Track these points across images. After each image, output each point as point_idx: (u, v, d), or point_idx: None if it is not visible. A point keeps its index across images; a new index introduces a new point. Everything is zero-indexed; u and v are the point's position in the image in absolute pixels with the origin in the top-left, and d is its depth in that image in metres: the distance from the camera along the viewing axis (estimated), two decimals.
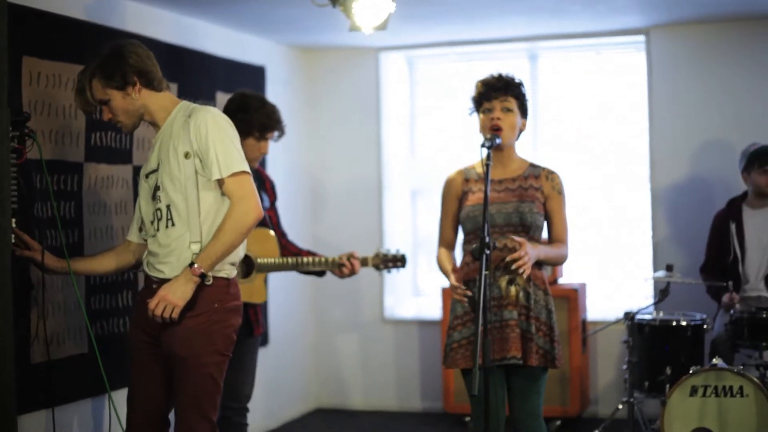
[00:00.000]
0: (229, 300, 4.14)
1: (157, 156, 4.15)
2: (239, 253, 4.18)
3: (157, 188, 4.12)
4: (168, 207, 4.08)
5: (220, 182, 4.05)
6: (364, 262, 5.29)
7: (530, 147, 7.64)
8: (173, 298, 3.96)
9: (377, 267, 5.35)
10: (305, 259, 5.20)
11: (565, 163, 7.50)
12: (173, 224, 4.08)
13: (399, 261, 5.36)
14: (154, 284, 4.10)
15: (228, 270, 4.14)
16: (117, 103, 4.14)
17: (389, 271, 5.41)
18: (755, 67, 7.24)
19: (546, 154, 7.60)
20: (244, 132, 4.90)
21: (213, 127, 4.05)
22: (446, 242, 4.72)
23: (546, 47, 7.87)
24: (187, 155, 4.04)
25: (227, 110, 5.00)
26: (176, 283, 3.99)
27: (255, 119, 4.99)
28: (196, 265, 3.97)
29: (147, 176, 4.20)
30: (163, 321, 4.01)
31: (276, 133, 5.13)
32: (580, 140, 7.78)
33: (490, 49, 7.93)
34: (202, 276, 3.99)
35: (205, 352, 4.06)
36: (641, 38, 7.50)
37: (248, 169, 4.11)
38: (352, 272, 5.19)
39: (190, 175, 4.05)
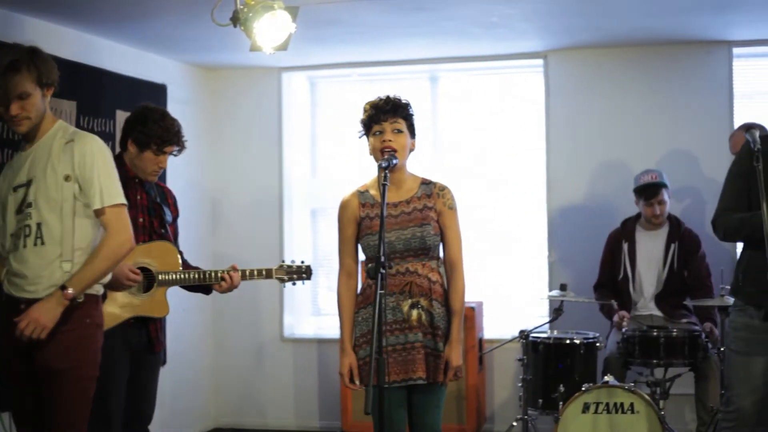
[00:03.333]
0: (98, 317, 4.20)
1: (28, 171, 4.14)
2: (108, 277, 4.24)
3: (26, 204, 4.11)
4: (39, 225, 4.08)
5: (99, 211, 4.10)
6: (268, 274, 5.19)
7: (430, 168, 7.72)
8: (44, 320, 3.99)
9: (281, 279, 5.20)
10: (206, 273, 5.10)
11: (465, 183, 7.60)
12: (43, 243, 4.08)
13: (304, 273, 5.24)
14: (22, 304, 4.08)
15: (98, 288, 4.20)
16: (35, 100, 4.12)
17: (294, 283, 5.27)
18: (648, 91, 7.45)
19: (445, 175, 7.67)
20: (143, 144, 4.86)
21: (99, 158, 4.11)
22: (347, 270, 4.65)
23: (447, 69, 7.97)
24: (67, 178, 4.07)
25: (128, 122, 4.97)
26: (47, 304, 4.01)
27: (153, 132, 4.92)
28: (70, 290, 4.01)
29: (15, 189, 4.17)
30: (30, 341, 4.01)
31: (175, 148, 5.07)
32: (479, 161, 7.89)
33: (391, 71, 8.01)
34: (72, 299, 4.03)
35: (82, 364, 4.10)
36: (540, 62, 7.65)
37: (126, 202, 4.18)
38: (231, 286, 5.10)
39: (68, 198, 4.08)
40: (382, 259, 4.07)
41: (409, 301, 4.47)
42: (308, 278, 5.26)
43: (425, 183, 4.64)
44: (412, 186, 4.62)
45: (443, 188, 4.63)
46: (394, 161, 4.41)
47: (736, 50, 7.36)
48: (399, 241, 4.48)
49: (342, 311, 4.62)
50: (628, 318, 6.33)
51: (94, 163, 4.08)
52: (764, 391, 4.55)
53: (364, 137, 4.63)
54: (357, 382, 4.53)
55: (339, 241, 4.68)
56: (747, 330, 4.63)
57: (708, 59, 7.37)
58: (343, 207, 4.66)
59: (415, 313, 4.46)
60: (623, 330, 6.06)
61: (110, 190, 4.11)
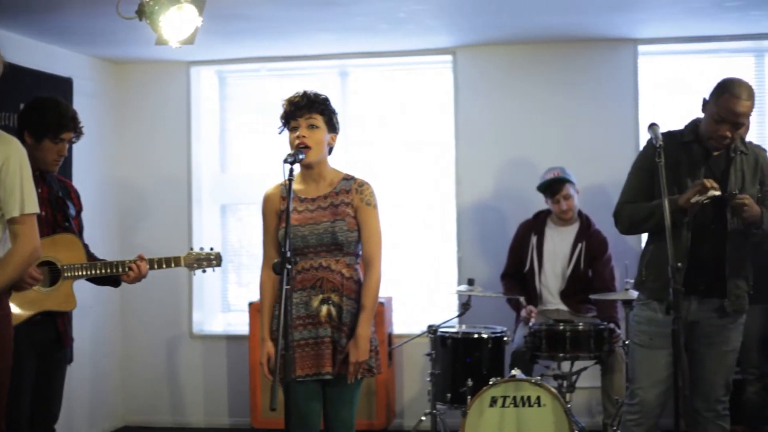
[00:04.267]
0: (7, 307, 4.09)
1: None
2: None
3: None
4: None
5: (14, 219, 3.98)
6: (176, 262, 5.07)
7: (340, 162, 7.71)
8: None
9: (190, 267, 5.12)
10: (113, 263, 5.01)
11: (374, 178, 7.58)
12: None
13: (214, 259, 5.15)
14: None
15: None
16: None
17: (204, 271, 5.17)
18: (556, 88, 7.53)
19: (356, 170, 7.68)
20: (39, 134, 4.76)
21: (25, 165, 3.99)
22: (269, 262, 4.58)
23: (356, 65, 7.97)
24: None
25: (23, 114, 4.87)
26: None
27: (48, 120, 4.82)
28: None
29: None
30: None
31: (73, 134, 4.97)
32: (388, 156, 7.92)
33: (301, 66, 7.99)
34: None
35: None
36: (448, 58, 7.69)
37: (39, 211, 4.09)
38: (139, 275, 5.03)
39: None
40: (288, 254, 4.07)
41: (320, 296, 4.46)
42: (218, 265, 5.17)
43: (346, 179, 4.63)
44: (333, 181, 4.61)
45: (362, 184, 4.62)
46: (300, 156, 4.40)
47: (641, 48, 7.48)
48: (312, 235, 4.47)
49: (263, 302, 4.61)
50: (535, 313, 6.40)
51: (19, 169, 3.95)
52: (667, 384, 4.63)
53: (285, 132, 4.62)
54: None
55: (263, 232, 4.66)
56: (650, 324, 4.72)
57: (614, 57, 7.48)
58: (266, 199, 4.64)
59: (324, 308, 4.45)
60: (530, 324, 6.12)
61: (30, 198, 3.99)
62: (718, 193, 4.46)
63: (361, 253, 4.56)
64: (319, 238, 4.46)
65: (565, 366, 6.12)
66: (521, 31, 7.17)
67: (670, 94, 7.52)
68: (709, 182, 4.46)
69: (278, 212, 4.57)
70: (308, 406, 4.46)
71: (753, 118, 5.34)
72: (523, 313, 6.45)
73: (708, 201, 4.49)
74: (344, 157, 7.74)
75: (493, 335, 6.15)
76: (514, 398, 5.63)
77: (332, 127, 4.62)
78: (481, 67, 7.62)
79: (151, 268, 5.00)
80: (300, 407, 4.38)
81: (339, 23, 6.70)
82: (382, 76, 8.05)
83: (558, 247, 6.65)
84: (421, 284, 7.83)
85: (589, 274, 6.61)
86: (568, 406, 5.79)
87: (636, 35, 7.35)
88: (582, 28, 7.11)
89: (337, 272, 4.47)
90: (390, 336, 7.32)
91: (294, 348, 4.35)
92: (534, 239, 6.66)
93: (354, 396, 4.57)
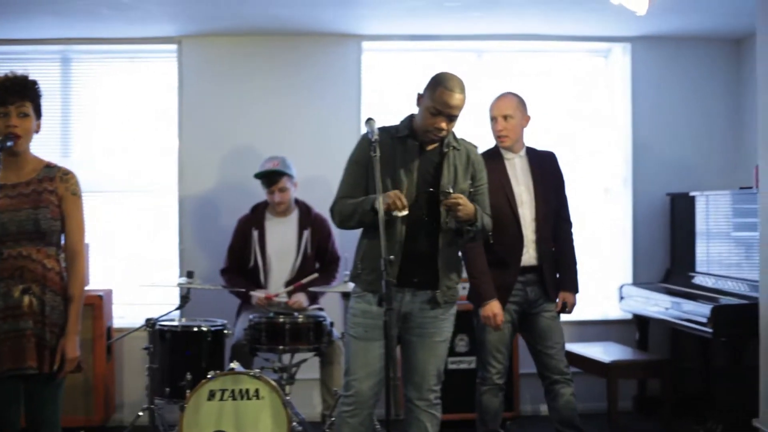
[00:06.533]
0: None
1: None
2: None
3: None
4: None
5: None
6: None
7: (59, 152, 7.49)
8: None
9: None
10: None
11: (95, 167, 7.43)
12: None
13: None
14: None
15: None
16: None
17: None
18: (283, 80, 7.57)
19: (79, 159, 7.49)
20: None
21: None
22: None
23: (80, 51, 7.70)
24: None
25: None
26: None
27: None
28: None
29: None
30: None
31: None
32: (112, 145, 7.70)
33: (20, 51, 7.59)
34: None
35: None
36: (174, 47, 7.57)
37: None
38: None
39: None
40: None
41: (21, 286, 4.30)
42: None
43: (48, 166, 4.49)
44: (35, 168, 4.46)
45: (67, 173, 4.49)
46: (9, 144, 4.25)
47: (365, 44, 7.61)
48: (12, 223, 4.30)
49: None
50: (270, 297, 6.39)
51: None
52: (381, 375, 4.71)
53: None
54: None
55: None
56: (365, 316, 4.79)
57: (339, 52, 7.59)
58: None
59: (26, 299, 4.30)
60: (250, 317, 6.10)
61: None
62: (405, 213, 4.55)
63: (63, 243, 4.42)
64: (20, 226, 4.30)
65: (286, 358, 6.14)
66: (247, 22, 7.14)
67: (393, 90, 7.68)
68: (398, 200, 4.54)
69: None
70: (9, 409, 4.29)
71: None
72: (255, 300, 6.44)
73: (403, 215, 4.58)
74: (68, 146, 7.52)
75: (213, 328, 6.08)
76: (233, 391, 5.59)
77: (39, 113, 4.46)
78: (207, 57, 7.56)
79: None
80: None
81: (61, 6, 6.49)
82: (107, 63, 7.80)
83: (283, 239, 6.66)
84: (142, 276, 7.62)
85: (315, 264, 6.68)
86: (288, 398, 5.81)
87: (361, 31, 7.48)
88: (308, 22, 7.16)
89: (38, 262, 4.33)
90: (109, 329, 7.13)
91: None
92: (255, 234, 6.64)
93: (59, 393, 4.42)
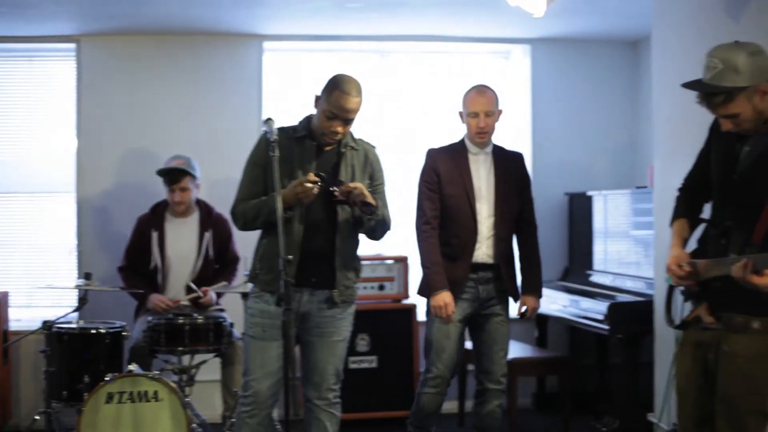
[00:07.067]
0: None
1: None
2: None
3: None
4: None
5: None
6: None
7: None
8: None
9: None
10: None
11: None
12: None
13: None
14: None
15: None
16: None
17: None
18: (184, 80, 7.54)
19: None
20: None
21: None
22: None
23: None
24: None
25: None
26: None
27: None
28: None
29: None
30: None
31: None
32: (7, 144, 7.59)
33: None
34: None
35: None
36: (72, 46, 7.46)
37: None
38: None
39: None
40: None
41: None
42: None
43: None
44: None
45: None
46: None
47: (266, 44, 7.60)
48: None
49: None
50: (171, 304, 6.35)
51: None
52: (280, 375, 4.70)
53: None
54: None
55: None
56: (263, 316, 4.78)
57: (240, 52, 7.57)
58: None
59: None
60: (149, 318, 6.04)
61: None
62: (318, 185, 4.57)
63: None
64: None
65: (186, 360, 6.09)
66: (147, 21, 7.08)
67: (295, 90, 7.67)
68: (302, 184, 4.58)
69: None
70: None
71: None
72: (150, 304, 6.38)
73: (318, 188, 4.59)
74: None
75: (111, 330, 5.99)
76: (131, 394, 5.53)
77: None
78: (106, 56, 7.47)
79: None
80: None
81: None
82: (2, 61, 7.64)
83: (183, 241, 6.60)
84: (39, 278, 7.48)
85: (215, 266, 6.65)
86: (187, 399, 5.77)
87: (262, 31, 7.46)
88: (209, 22, 7.12)
89: None
90: (6, 333, 7.00)
91: None
92: (155, 235, 6.57)
93: None
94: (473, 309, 5.66)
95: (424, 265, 5.60)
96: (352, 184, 4.66)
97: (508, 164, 5.76)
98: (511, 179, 5.72)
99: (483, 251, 5.61)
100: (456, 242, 5.60)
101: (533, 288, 5.77)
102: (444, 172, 5.62)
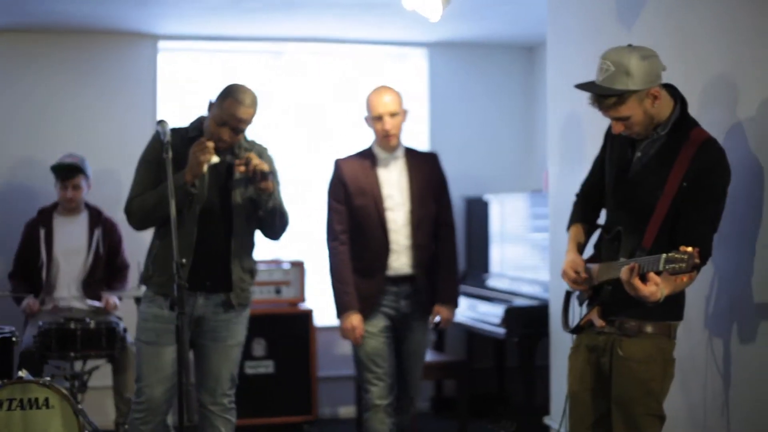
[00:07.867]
0: None
1: None
2: None
3: None
4: None
5: None
6: None
7: None
8: None
9: None
10: None
11: None
12: None
13: None
14: None
15: None
16: None
17: None
18: (75, 78, 7.43)
19: None
20: None
21: None
22: None
23: None
24: None
25: None
26: None
27: None
28: None
29: None
30: None
31: None
32: None
33: None
34: None
35: None
36: None
37: None
38: None
39: None
40: None
41: None
42: None
43: None
44: None
45: None
46: None
47: (161, 44, 7.51)
48: None
49: None
50: (38, 307, 6.23)
51: None
52: (174, 380, 4.65)
53: None
54: None
55: None
56: (156, 320, 4.70)
57: (134, 51, 7.50)
58: None
59: None
60: (40, 323, 5.91)
61: None
62: (216, 159, 4.61)
63: None
64: None
65: (78, 365, 5.98)
66: (35, 18, 6.94)
67: (190, 90, 7.60)
68: (202, 151, 4.57)
69: None
70: None
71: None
72: (24, 305, 6.25)
73: (214, 163, 4.60)
74: None
75: (0, 335, 5.84)
76: (21, 401, 5.37)
77: None
78: None
79: None
80: None
81: None
82: None
83: (72, 237, 6.48)
84: None
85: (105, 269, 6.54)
86: (80, 406, 5.64)
87: (156, 31, 7.38)
88: (101, 20, 7.02)
89: None
90: None
91: None
92: (42, 232, 6.44)
93: None
94: (393, 322, 5.41)
95: (332, 284, 5.37)
96: (248, 154, 4.65)
97: (421, 166, 5.47)
98: (425, 182, 5.43)
99: (401, 262, 5.34)
100: (368, 256, 5.33)
101: (448, 298, 5.46)
102: (351, 182, 5.36)
